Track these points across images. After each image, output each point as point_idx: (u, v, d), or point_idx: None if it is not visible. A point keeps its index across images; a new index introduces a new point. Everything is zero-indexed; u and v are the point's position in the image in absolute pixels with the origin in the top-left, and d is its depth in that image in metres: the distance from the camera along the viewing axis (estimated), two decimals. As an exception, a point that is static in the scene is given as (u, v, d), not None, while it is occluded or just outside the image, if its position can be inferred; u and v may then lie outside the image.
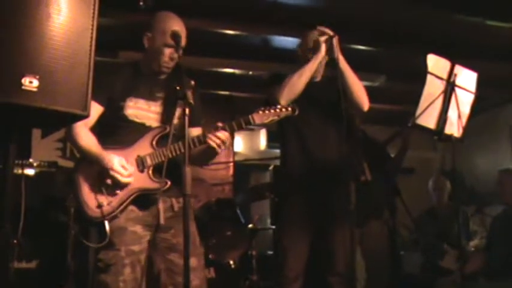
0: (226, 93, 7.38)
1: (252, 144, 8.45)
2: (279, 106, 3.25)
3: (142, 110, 3.17)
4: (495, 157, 7.71)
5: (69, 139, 3.21)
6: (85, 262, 5.13)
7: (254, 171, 8.02)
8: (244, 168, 7.69)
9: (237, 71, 6.75)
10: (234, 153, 7.73)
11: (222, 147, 3.11)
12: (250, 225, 5.50)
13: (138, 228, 3.11)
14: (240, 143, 8.31)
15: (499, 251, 5.00)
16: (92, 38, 2.86)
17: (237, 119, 3.15)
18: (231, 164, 7.31)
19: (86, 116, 2.60)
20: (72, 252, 5.07)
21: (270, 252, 6.17)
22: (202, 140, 3.08)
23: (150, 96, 3.21)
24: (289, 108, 3.26)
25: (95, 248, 3.12)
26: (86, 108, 3.05)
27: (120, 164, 3.03)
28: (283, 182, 3.99)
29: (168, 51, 3.16)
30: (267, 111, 3.18)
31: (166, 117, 3.18)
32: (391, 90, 7.30)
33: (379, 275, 5.12)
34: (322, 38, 3.77)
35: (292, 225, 3.82)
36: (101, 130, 3.16)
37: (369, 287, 5.18)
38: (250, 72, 6.76)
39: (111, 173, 3.01)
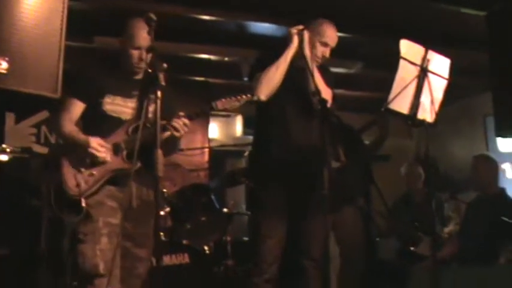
0: (202, 79, 7.35)
1: (228, 131, 8.43)
2: (240, 93, 3.43)
3: (119, 106, 3.47)
4: (469, 145, 7.76)
5: (54, 130, 3.70)
6: (59, 247, 5.10)
7: (230, 158, 8.02)
8: (220, 154, 7.68)
9: (212, 57, 6.73)
10: (210, 140, 7.70)
11: (181, 132, 3.34)
12: (225, 211, 5.50)
13: (115, 205, 3.40)
14: (216, 130, 8.29)
15: (472, 236, 5.03)
16: (62, 20, 2.84)
17: (201, 106, 3.43)
18: (207, 150, 7.30)
19: (57, 99, 2.65)
20: (46, 237, 5.05)
21: (246, 238, 6.18)
22: (165, 126, 3.29)
23: (126, 94, 3.50)
24: (249, 95, 3.46)
25: (70, 230, 3.36)
26: (56, 90, 3.05)
27: (97, 142, 3.34)
28: (259, 168, 3.99)
29: (136, 53, 3.45)
30: (228, 98, 3.42)
31: (141, 112, 3.34)
32: (368, 77, 7.32)
33: (354, 261, 5.15)
34: (294, 30, 3.81)
35: (270, 211, 3.84)
36: (83, 125, 3.49)
37: (343, 273, 5.21)
38: (226, 58, 6.75)
39: (89, 150, 3.31)
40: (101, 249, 3.26)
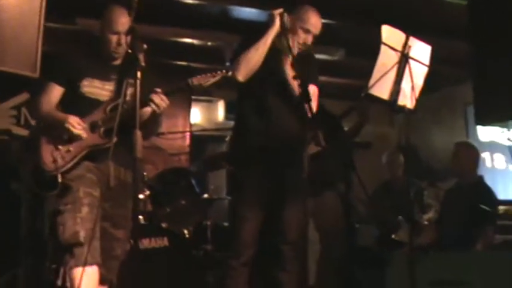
0: (184, 63, 7.32)
1: (210, 116, 8.42)
2: (215, 71, 3.45)
3: (97, 88, 3.52)
4: (450, 134, 7.80)
5: (33, 113, 3.87)
6: (39, 231, 5.08)
7: (211, 142, 7.99)
8: (201, 139, 7.68)
9: (195, 42, 6.70)
10: (192, 124, 7.69)
11: (161, 108, 3.38)
12: (205, 195, 5.49)
13: (95, 178, 3.45)
14: (198, 114, 8.28)
15: (451, 223, 5.07)
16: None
17: (177, 82, 3.47)
18: (188, 134, 7.29)
19: (36, 78, 2.66)
20: (26, 221, 5.03)
21: (226, 224, 6.17)
22: (145, 102, 3.31)
23: (104, 77, 3.54)
24: (224, 70, 3.49)
25: (51, 213, 3.51)
26: (35, 70, 3.04)
27: (76, 120, 3.37)
28: (239, 152, 3.99)
29: (115, 37, 3.46)
30: (204, 75, 3.42)
31: (118, 94, 3.40)
32: (350, 64, 7.32)
33: (333, 247, 5.16)
34: (276, 12, 3.80)
35: (248, 195, 3.85)
36: (62, 108, 3.52)
37: (322, 259, 5.23)
38: (209, 43, 6.71)
39: (66, 125, 3.34)
40: (81, 218, 3.28)
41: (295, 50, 3.85)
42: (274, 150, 3.83)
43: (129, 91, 3.30)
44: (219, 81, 3.46)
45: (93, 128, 3.42)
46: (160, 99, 3.34)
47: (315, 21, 3.96)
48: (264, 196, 3.85)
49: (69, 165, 3.38)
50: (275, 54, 3.85)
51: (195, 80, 3.40)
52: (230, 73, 3.47)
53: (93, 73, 3.50)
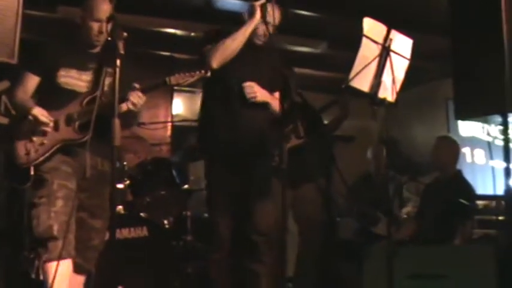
0: (167, 54, 7.30)
1: (192, 107, 8.36)
2: (194, 68, 3.43)
3: (74, 79, 3.48)
4: (432, 128, 7.83)
5: (10, 101, 3.72)
6: (18, 222, 5.04)
7: (193, 133, 7.95)
8: (183, 129, 7.63)
9: (178, 32, 6.67)
10: (174, 115, 7.67)
11: (137, 106, 3.35)
12: (185, 186, 5.48)
13: (70, 170, 3.43)
14: (180, 105, 8.25)
15: (430, 217, 5.10)
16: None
17: (154, 80, 3.42)
18: (169, 124, 7.28)
19: (14, 64, 2.65)
20: (4, 212, 4.99)
21: (206, 215, 6.17)
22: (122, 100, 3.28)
23: (81, 67, 3.51)
24: (202, 70, 3.44)
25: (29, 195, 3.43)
26: (13, 56, 3.01)
27: (40, 112, 3.35)
28: (207, 145, 4.05)
29: (96, 25, 3.43)
30: (181, 73, 3.40)
31: (96, 85, 3.41)
32: (333, 57, 7.32)
33: (312, 239, 5.17)
34: (258, 3, 3.80)
35: (220, 188, 3.93)
36: (38, 99, 3.52)
37: (301, 252, 5.24)
38: (192, 34, 6.69)
39: (33, 112, 3.32)
40: (55, 212, 3.27)
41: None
42: (241, 143, 3.88)
43: (107, 81, 3.30)
44: (197, 81, 3.45)
45: (68, 121, 3.40)
46: (137, 98, 3.32)
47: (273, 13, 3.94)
48: (234, 189, 3.91)
49: (42, 158, 3.36)
50: (248, 46, 3.89)
51: (173, 79, 3.38)
52: (209, 73, 3.43)
53: (70, 63, 3.47)
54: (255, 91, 3.89)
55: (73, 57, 3.49)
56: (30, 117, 3.32)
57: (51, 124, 3.36)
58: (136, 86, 3.35)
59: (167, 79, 3.37)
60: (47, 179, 3.33)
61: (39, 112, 3.33)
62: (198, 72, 3.42)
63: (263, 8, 3.79)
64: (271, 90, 4.02)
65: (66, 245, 3.21)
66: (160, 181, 5.15)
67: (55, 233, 3.22)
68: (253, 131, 3.91)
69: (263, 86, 3.95)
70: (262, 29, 3.92)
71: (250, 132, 3.90)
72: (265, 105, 3.95)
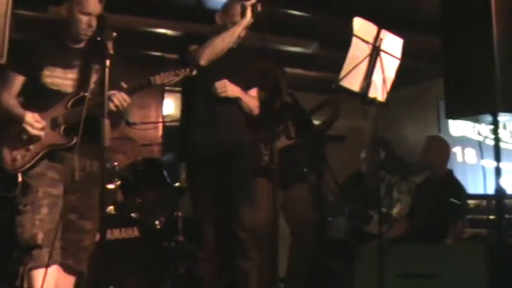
0: (158, 54, 7.28)
1: (183, 107, 8.38)
2: (179, 67, 3.39)
3: (59, 78, 3.39)
4: (423, 128, 7.85)
5: None
6: (9, 225, 5.00)
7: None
8: (174, 129, 7.62)
9: (169, 32, 6.66)
10: (164, 115, 7.66)
11: (120, 108, 3.28)
12: (176, 186, 5.46)
13: (56, 176, 3.35)
14: (171, 105, 8.23)
15: (420, 217, 5.11)
16: (10, -16, 2.76)
17: (139, 80, 3.35)
18: (161, 125, 7.27)
19: (3, 64, 2.64)
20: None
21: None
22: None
23: (67, 65, 3.42)
24: (187, 69, 3.40)
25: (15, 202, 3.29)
26: (2, 56, 2.99)
27: (33, 118, 3.27)
28: (188, 147, 4.06)
29: (85, 18, 3.34)
30: (167, 72, 3.37)
31: (82, 83, 3.35)
32: (324, 57, 7.33)
33: (303, 239, 5.17)
34: (249, 3, 3.80)
35: (201, 186, 3.98)
36: (23, 99, 3.45)
37: (293, 251, 5.24)
38: (184, 34, 6.68)
39: (24, 125, 3.25)
40: (40, 220, 3.21)
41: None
42: (221, 143, 3.92)
43: (94, 78, 3.27)
44: (182, 80, 3.43)
45: (53, 125, 3.34)
46: (121, 99, 3.26)
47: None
48: (217, 187, 3.96)
49: (29, 164, 3.30)
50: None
51: (158, 79, 3.33)
52: (194, 72, 3.41)
53: (55, 61, 3.39)
54: (225, 86, 3.91)
55: (57, 54, 3.41)
56: (24, 125, 3.24)
57: (43, 135, 3.29)
58: (124, 86, 3.31)
59: (152, 79, 3.33)
60: (32, 186, 3.27)
61: (33, 119, 3.26)
62: (183, 71, 3.39)
63: (254, 8, 3.79)
64: (246, 88, 4.08)
65: (52, 251, 3.17)
66: (151, 181, 5.14)
67: (39, 241, 3.18)
68: (229, 129, 3.96)
69: (237, 83, 3.98)
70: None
71: (227, 131, 3.95)
72: (237, 102, 3.99)
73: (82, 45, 3.48)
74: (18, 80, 3.39)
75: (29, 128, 3.24)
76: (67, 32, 3.44)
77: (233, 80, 3.95)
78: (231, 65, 3.91)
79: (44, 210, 3.23)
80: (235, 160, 3.98)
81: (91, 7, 3.31)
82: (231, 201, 3.96)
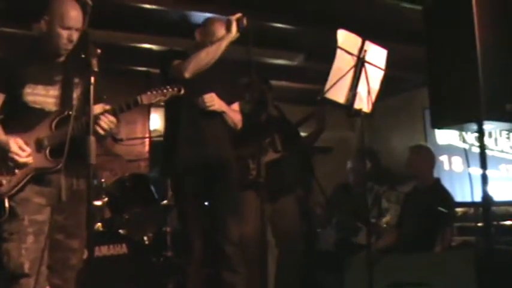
0: (143, 69, 7.29)
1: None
2: (166, 87, 3.36)
3: (41, 96, 3.29)
4: (409, 137, 7.88)
5: None
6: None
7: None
8: (161, 145, 7.60)
9: (154, 47, 6.67)
10: (151, 131, 7.65)
11: (107, 131, 3.24)
12: (164, 202, 5.46)
13: (42, 201, 3.27)
14: (158, 120, 8.22)
15: (408, 226, 5.12)
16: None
17: (126, 100, 3.28)
18: (147, 140, 7.25)
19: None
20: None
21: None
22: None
23: (48, 81, 3.32)
24: (175, 88, 3.38)
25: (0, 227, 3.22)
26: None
27: (18, 145, 3.19)
28: (172, 161, 4.07)
29: (66, 33, 3.24)
30: (154, 92, 3.33)
31: (64, 100, 3.29)
32: (310, 69, 7.35)
33: (291, 252, 5.17)
34: (234, 17, 3.82)
35: (186, 202, 4.01)
36: (3, 118, 3.32)
37: (280, 264, 5.23)
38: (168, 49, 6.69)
39: (10, 155, 3.17)
40: (26, 248, 3.16)
41: None
42: (206, 156, 3.95)
43: (76, 93, 3.25)
44: (169, 99, 3.40)
45: (38, 147, 3.25)
46: (108, 122, 3.21)
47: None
48: (201, 202, 4.03)
49: (15, 190, 3.21)
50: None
51: (145, 98, 3.29)
52: (182, 91, 3.39)
53: (36, 78, 3.27)
54: (213, 100, 3.94)
55: (38, 71, 3.29)
56: (10, 155, 3.16)
57: (30, 161, 3.22)
58: (107, 108, 3.27)
59: (139, 98, 3.28)
60: (17, 214, 3.19)
61: (18, 147, 3.18)
62: (170, 91, 3.36)
63: (239, 22, 3.81)
64: (229, 102, 4.11)
65: (39, 278, 3.14)
66: (138, 197, 5.12)
67: (26, 270, 3.14)
68: (215, 143, 4.00)
69: (220, 97, 4.01)
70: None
71: (213, 144, 3.98)
72: (221, 116, 4.02)
73: (62, 59, 3.37)
74: None
75: (15, 157, 3.17)
76: (47, 47, 3.33)
77: (217, 94, 3.97)
78: (214, 78, 3.94)
79: (30, 239, 3.18)
80: (222, 174, 4.00)
81: (71, 21, 3.23)
82: (218, 215, 3.98)
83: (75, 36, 3.24)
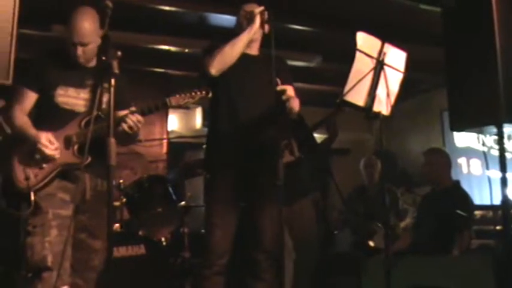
0: (162, 70, 7.32)
1: (187, 123, 8.40)
2: (195, 89, 3.41)
3: (72, 98, 3.40)
4: (427, 140, 7.87)
5: (6, 121, 3.50)
6: (15, 241, 5.00)
7: (189, 150, 7.96)
8: (179, 146, 7.65)
9: (172, 48, 6.70)
10: (169, 132, 7.67)
11: (134, 129, 3.30)
12: (182, 203, 5.47)
13: (67, 197, 3.34)
14: (176, 122, 8.26)
15: (426, 228, 5.09)
16: (15, 5, 2.78)
17: (154, 101, 3.36)
18: (165, 141, 7.27)
19: (9, 85, 2.64)
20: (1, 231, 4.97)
21: (203, 231, 6.15)
22: (119, 122, 3.25)
23: (79, 84, 3.42)
24: (204, 92, 3.43)
25: (25, 221, 3.31)
26: (8, 77, 3.00)
27: (47, 138, 3.26)
28: (212, 158, 3.94)
29: (72, 48, 3.34)
30: (182, 94, 3.39)
31: (94, 103, 3.31)
32: (328, 71, 7.36)
33: (308, 254, 5.16)
34: (257, 10, 3.78)
35: (220, 201, 3.80)
36: (35, 116, 3.43)
37: (297, 267, 5.22)
38: (186, 50, 6.71)
39: (38, 146, 3.24)
40: (49, 242, 3.21)
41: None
42: (246, 157, 3.78)
43: (105, 98, 3.26)
44: (196, 102, 3.44)
45: (67, 144, 3.33)
46: (135, 121, 3.27)
47: None
48: (236, 203, 3.82)
49: (42, 183, 3.28)
50: (247, 59, 3.85)
51: (174, 101, 3.36)
52: (210, 94, 3.41)
53: (68, 81, 3.39)
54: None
55: (70, 74, 3.40)
56: (38, 146, 3.23)
57: (58, 155, 3.29)
58: (134, 109, 3.31)
59: (167, 100, 3.35)
60: (42, 207, 3.25)
61: (47, 140, 3.25)
62: (199, 94, 3.41)
63: (262, 15, 3.77)
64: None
65: (62, 273, 3.17)
66: (156, 198, 5.13)
67: (49, 264, 3.18)
68: (258, 145, 3.81)
69: (265, 96, 3.78)
70: (258, 39, 3.92)
71: (256, 146, 3.81)
72: (271, 115, 3.77)
73: (93, 63, 3.47)
74: (31, 97, 3.39)
75: (44, 149, 3.23)
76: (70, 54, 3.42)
77: (259, 92, 3.82)
78: (255, 75, 3.85)
79: (54, 232, 3.23)
80: (265, 178, 3.77)
81: (79, 37, 3.31)
82: (253, 221, 3.84)
83: (87, 48, 3.32)
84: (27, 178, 3.25)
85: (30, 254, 3.22)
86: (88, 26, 3.31)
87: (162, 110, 3.40)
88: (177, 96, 3.38)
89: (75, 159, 3.32)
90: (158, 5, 5.70)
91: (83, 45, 3.32)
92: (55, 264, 3.17)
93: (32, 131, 3.30)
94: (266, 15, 3.76)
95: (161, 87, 7.00)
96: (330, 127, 5.57)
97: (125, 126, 3.24)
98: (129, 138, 3.45)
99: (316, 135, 5.74)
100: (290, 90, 3.74)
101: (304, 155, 4.92)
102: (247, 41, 3.78)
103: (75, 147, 3.33)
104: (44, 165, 3.29)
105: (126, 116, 3.26)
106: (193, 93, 3.41)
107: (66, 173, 3.34)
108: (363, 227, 5.85)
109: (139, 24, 5.98)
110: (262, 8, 3.79)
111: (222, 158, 3.84)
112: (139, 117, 3.29)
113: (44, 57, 3.50)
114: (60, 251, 3.16)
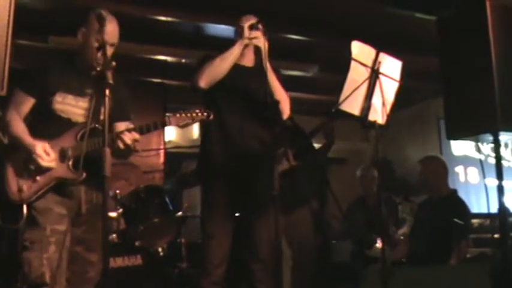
0: (158, 80, 7.32)
1: (184, 133, 8.37)
2: (196, 111, 3.37)
3: (70, 106, 3.33)
4: (424, 148, 7.86)
5: (2, 126, 3.36)
6: (12, 253, 4.98)
7: (186, 160, 7.95)
8: (176, 156, 7.64)
9: (169, 59, 6.71)
10: (166, 142, 7.66)
11: (130, 147, 3.23)
12: (179, 213, 5.46)
13: (63, 211, 3.29)
14: (173, 132, 8.24)
15: (423, 237, 5.08)
16: (9, 15, 2.78)
17: (154, 121, 3.31)
18: (162, 151, 7.26)
19: (4, 96, 2.62)
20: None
21: (200, 241, 6.14)
22: (114, 139, 3.19)
23: (79, 92, 3.35)
24: (205, 113, 3.39)
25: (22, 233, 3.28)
26: (2, 87, 2.99)
27: (43, 148, 3.18)
28: (205, 168, 3.96)
29: (109, 49, 3.22)
30: (183, 115, 3.35)
31: (92, 113, 3.26)
32: (324, 80, 7.36)
33: (305, 263, 5.15)
34: (246, 24, 3.80)
35: (215, 211, 3.83)
36: (31, 122, 3.34)
37: (294, 276, 5.21)
38: (183, 60, 6.72)
39: (33, 156, 3.16)
40: (48, 258, 3.17)
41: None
42: (239, 167, 3.80)
43: (103, 109, 3.13)
44: (196, 123, 3.41)
45: (62, 157, 3.24)
46: (131, 139, 3.20)
47: None
48: (230, 213, 3.85)
49: (35, 196, 3.20)
50: (239, 70, 3.87)
51: (173, 121, 3.32)
52: (211, 117, 3.38)
53: (67, 87, 3.31)
54: None
55: (70, 81, 3.33)
56: (34, 156, 3.16)
57: (53, 165, 3.21)
58: (132, 127, 3.28)
59: (167, 120, 3.31)
60: (39, 223, 3.19)
61: (43, 151, 3.18)
62: (200, 115, 3.37)
63: (252, 28, 3.78)
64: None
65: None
66: (153, 209, 5.09)
67: (47, 280, 3.15)
68: (251, 155, 3.84)
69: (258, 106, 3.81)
70: (251, 51, 3.94)
71: (248, 156, 3.83)
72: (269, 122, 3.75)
73: (95, 73, 3.31)
74: (29, 102, 3.31)
75: (39, 160, 3.16)
76: (81, 59, 3.36)
77: (253, 101, 3.85)
78: (248, 86, 3.88)
79: (52, 249, 3.18)
80: (259, 188, 3.78)
81: (112, 38, 3.27)
82: (249, 231, 3.86)
83: (109, 51, 3.22)
84: (20, 190, 3.17)
85: (28, 269, 3.17)
86: (113, 28, 3.28)
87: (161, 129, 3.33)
88: (177, 115, 3.33)
89: (70, 174, 3.25)
90: (154, 15, 5.71)
91: (113, 45, 3.29)
92: (53, 281, 3.15)
93: (28, 139, 3.21)
94: (261, 27, 3.78)
95: (157, 97, 7.01)
96: (327, 134, 5.56)
97: (120, 144, 3.19)
98: (124, 153, 3.38)
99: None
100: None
101: (302, 163, 4.91)
102: (237, 55, 3.81)
103: (70, 161, 3.25)
104: (38, 178, 3.21)
105: (122, 133, 3.21)
106: (194, 114, 3.36)
107: (60, 187, 3.28)
108: (363, 237, 5.83)
109: (136, 34, 5.96)
110: (251, 21, 3.82)
111: (213, 170, 3.86)
112: (136, 135, 3.23)
113: (46, 63, 3.45)
114: (57, 267, 3.16)
